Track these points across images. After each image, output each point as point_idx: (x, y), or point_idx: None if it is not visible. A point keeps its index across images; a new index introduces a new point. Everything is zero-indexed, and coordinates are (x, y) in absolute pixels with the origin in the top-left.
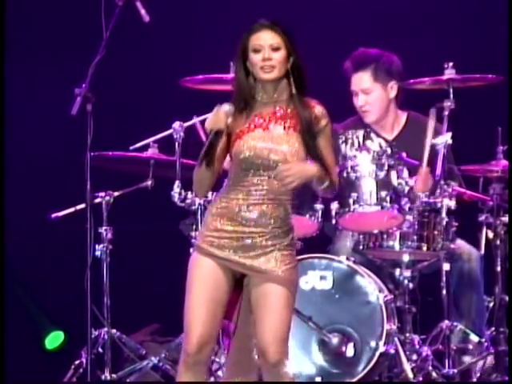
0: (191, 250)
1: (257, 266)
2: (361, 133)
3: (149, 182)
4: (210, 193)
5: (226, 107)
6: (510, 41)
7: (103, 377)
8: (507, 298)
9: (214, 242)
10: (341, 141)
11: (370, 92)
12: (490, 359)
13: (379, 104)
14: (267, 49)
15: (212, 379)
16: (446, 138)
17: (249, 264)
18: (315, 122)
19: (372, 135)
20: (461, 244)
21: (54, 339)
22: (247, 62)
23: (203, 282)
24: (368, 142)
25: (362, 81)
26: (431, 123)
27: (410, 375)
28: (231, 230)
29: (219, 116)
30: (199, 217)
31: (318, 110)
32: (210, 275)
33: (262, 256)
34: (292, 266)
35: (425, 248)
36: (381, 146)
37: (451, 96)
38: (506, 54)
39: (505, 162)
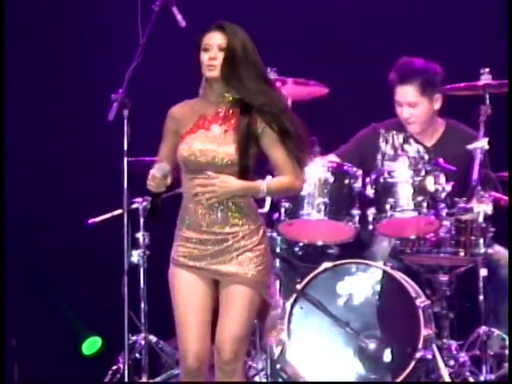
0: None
1: (226, 270)
2: (401, 136)
3: None
4: None
5: (161, 170)
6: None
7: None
8: None
9: (184, 251)
10: (381, 139)
11: (416, 105)
12: None
13: (424, 117)
14: (215, 48)
15: None
16: (483, 143)
17: (219, 269)
18: (255, 124)
19: (411, 140)
20: (499, 250)
21: (92, 345)
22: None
23: (185, 295)
24: (406, 147)
25: (408, 94)
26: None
27: (448, 381)
28: (196, 238)
29: (157, 182)
30: None
31: None
32: (188, 286)
33: (231, 260)
34: (262, 267)
35: (462, 253)
36: (419, 152)
37: (487, 101)
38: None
39: None
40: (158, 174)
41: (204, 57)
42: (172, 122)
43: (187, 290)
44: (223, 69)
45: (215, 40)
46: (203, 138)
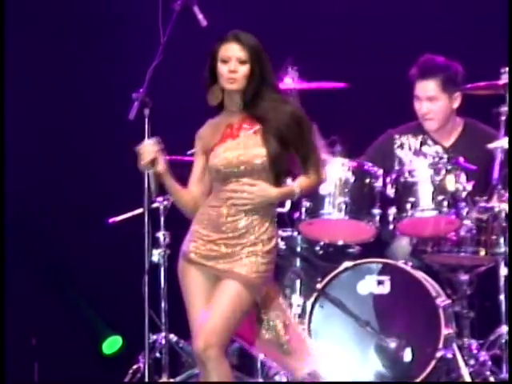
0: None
1: (227, 268)
2: (418, 138)
3: None
4: None
5: (147, 141)
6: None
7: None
8: None
9: (196, 246)
10: (396, 146)
11: (435, 100)
12: None
13: (443, 114)
14: (234, 60)
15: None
16: (503, 143)
17: (222, 268)
18: (287, 121)
19: (429, 142)
20: None
21: (112, 344)
22: (216, 70)
23: (196, 292)
24: (424, 148)
25: (429, 89)
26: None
27: (468, 380)
28: (211, 238)
29: (145, 150)
30: None
31: (291, 110)
32: (199, 283)
33: (235, 261)
34: (264, 275)
35: (482, 253)
36: (437, 153)
37: (508, 101)
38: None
39: None
40: (144, 145)
41: (223, 69)
42: (200, 143)
43: (196, 289)
44: (242, 82)
45: (233, 52)
46: (233, 145)
